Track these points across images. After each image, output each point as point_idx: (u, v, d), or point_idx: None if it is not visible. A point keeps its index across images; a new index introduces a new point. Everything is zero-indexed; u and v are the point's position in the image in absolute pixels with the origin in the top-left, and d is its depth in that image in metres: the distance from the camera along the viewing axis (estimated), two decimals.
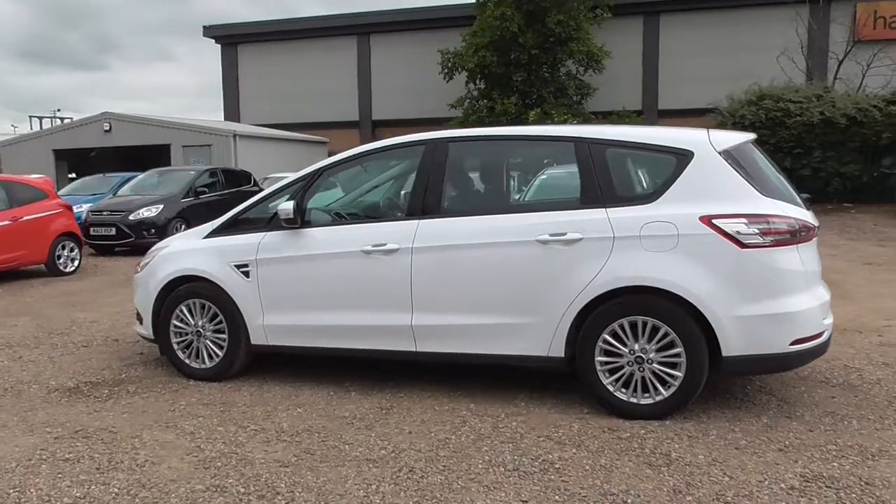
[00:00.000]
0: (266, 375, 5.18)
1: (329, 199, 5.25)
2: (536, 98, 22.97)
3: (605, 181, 4.23)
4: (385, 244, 4.56)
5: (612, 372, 4.19)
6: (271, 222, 4.94)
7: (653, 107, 26.52)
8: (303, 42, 29.19)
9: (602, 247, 4.13)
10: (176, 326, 5.20)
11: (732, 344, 3.94)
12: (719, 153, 4.11)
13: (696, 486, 3.31)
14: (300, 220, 4.74)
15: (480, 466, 3.60)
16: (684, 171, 4.10)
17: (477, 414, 4.33)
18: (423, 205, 4.56)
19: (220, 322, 5.06)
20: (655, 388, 4.11)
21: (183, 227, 13.17)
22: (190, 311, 5.15)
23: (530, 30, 22.06)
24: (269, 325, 4.92)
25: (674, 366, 4.06)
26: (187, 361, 5.20)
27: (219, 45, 30.65)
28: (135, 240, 12.68)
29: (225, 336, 5.06)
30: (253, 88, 29.92)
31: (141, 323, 5.47)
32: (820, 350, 4.12)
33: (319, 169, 4.96)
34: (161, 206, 12.92)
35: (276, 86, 29.06)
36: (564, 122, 21.68)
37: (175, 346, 5.22)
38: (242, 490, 3.41)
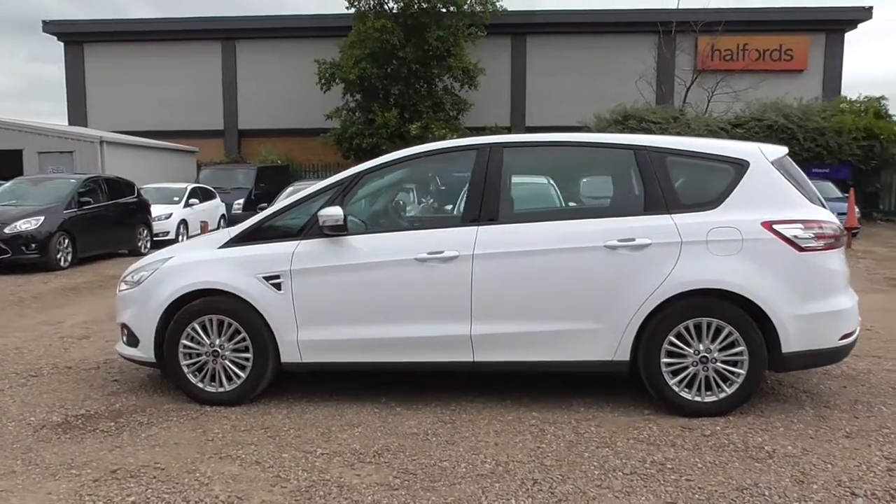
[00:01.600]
0: (272, 398, 4.78)
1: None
2: (415, 112, 23.13)
3: (667, 188, 4.37)
4: (442, 251, 4.40)
5: (675, 373, 4.32)
6: (306, 230, 4.60)
7: (521, 123, 27.65)
8: (161, 45, 27.36)
9: (670, 252, 4.25)
10: (187, 347, 4.68)
11: (792, 341, 4.20)
12: (771, 163, 4.39)
13: (811, 475, 3.49)
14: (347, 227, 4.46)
15: (597, 473, 3.57)
16: (743, 179, 4.34)
17: (547, 421, 4.28)
18: (481, 211, 4.46)
19: (243, 340, 4.62)
20: (718, 386, 4.29)
21: (66, 241, 11.89)
22: (205, 329, 4.66)
23: (410, 44, 22.22)
24: (304, 340, 4.56)
25: (735, 364, 4.26)
26: (200, 385, 4.69)
27: (61, 43, 27.97)
28: (11, 256, 11.20)
29: (249, 355, 4.62)
30: (102, 92, 27.58)
31: (132, 345, 4.86)
32: (855, 343, 4.51)
33: (360, 172, 4.69)
34: (42, 218, 11.49)
35: (131, 90, 27.00)
36: (443, 136, 22.05)
37: (185, 369, 4.69)
38: None
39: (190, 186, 17.31)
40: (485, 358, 4.46)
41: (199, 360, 4.68)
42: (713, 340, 4.27)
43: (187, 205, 16.45)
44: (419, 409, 4.54)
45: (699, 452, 3.79)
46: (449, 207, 4.87)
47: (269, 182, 21.23)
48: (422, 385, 4.92)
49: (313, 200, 4.70)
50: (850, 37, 28.05)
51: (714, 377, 4.29)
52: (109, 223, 13.22)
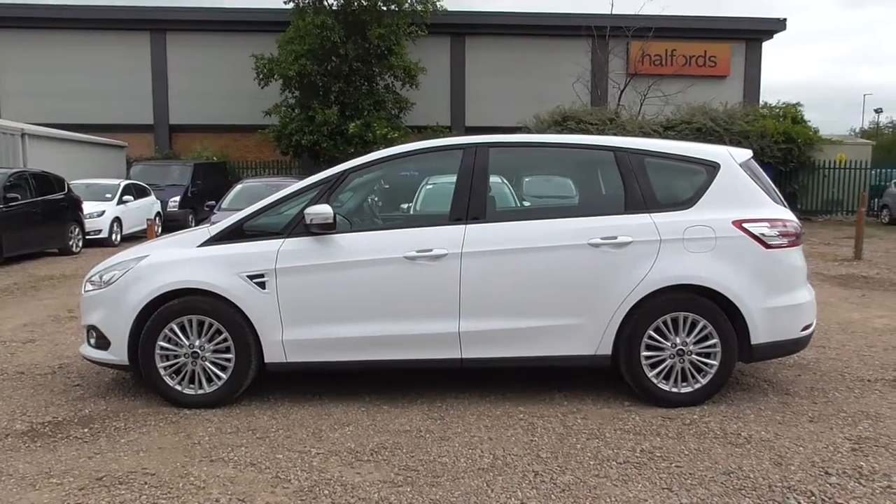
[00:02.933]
0: (253, 399, 4.72)
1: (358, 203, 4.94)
2: (355, 110, 22.94)
3: (646, 188, 4.55)
4: (431, 249, 4.44)
5: (654, 366, 4.50)
6: (291, 227, 4.56)
7: (460, 123, 27.82)
8: (84, 34, 26.12)
9: (650, 249, 4.43)
10: (164, 349, 4.56)
11: (760, 333, 4.45)
12: (739, 165, 4.63)
13: (787, 458, 3.71)
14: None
15: (592, 463, 3.69)
16: (714, 181, 4.56)
17: (535, 415, 4.39)
18: (469, 209, 4.53)
19: (225, 341, 4.54)
20: (693, 377, 4.50)
21: None
22: (183, 329, 4.55)
23: (350, 41, 22.02)
24: (289, 340, 4.52)
25: (708, 355, 4.48)
26: (178, 388, 4.58)
27: None
28: None
29: (230, 356, 4.55)
30: (17, 81, 26.14)
31: (102, 347, 4.70)
32: (813, 334, 4.80)
33: (345, 171, 4.67)
34: None
35: (51, 81, 25.68)
36: (385, 135, 22.00)
37: (162, 372, 4.57)
38: None
39: (123, 183, 16.68)
40: (472, 355, 4.52)
41: (177, 362, 4.57)
42: (689, 334, 4.47)
43: (121, 202, 15.85)
44: (406, 407, 4.57)
45: (683, 440, 3.96)
46: (437, 206, 4.88)
47: (206, 179, 20.69)
48: (404, 383, 4.96)
49: (297, 198, 4.66)
50: (766, 46, 29.46)
51: (690, 369, 4.49)
52: (38, 221, 12.61)
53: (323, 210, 4.39)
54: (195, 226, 18.42)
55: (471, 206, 4.53)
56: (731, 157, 4.65)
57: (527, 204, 4.69)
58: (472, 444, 3.95)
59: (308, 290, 4.50)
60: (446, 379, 5.01)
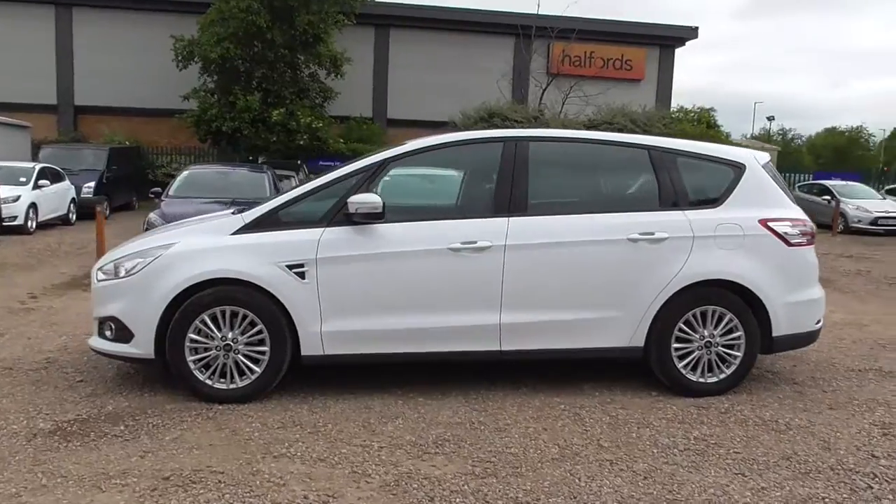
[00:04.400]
0: (281, 393, 4.58)
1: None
2: (278, 97, 22.32)
3: (678, 186, 4.73)
4: (475, 241, 4.44)
5: (682, 357, 4.69)
6: (331, 216, 4.43)
7: (382, 115, 27.65)
8: None
9: (684, 245, 4.61)
10: (194, 341, 4.33)
11: (781, 326, 4.72)
12: (762, 166, 4.89)
13: (832, 443, 3.97)
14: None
15: (655, 451, 3.81)
16: (741, 181, 4.80)
17: (575, 406, 4.47)
18: (511, 202, 4.55)
19: (259, 332, 4.36)
20: (719, 368, 4.72)
21: None
22: (214, 321, 4.34)
23: (276, 26, 21.39)
24: (328, 332, 4.39)
25: (732, 347, 4.71)
26: (209, 382, 4.37)
27: None
28: None
29: (265, 348, 4.38)
30: None
31: (122, 339, 4.41)
32: (822, 328, 5.12)
33: (385, 159, 4.58)
34: None
35: None
36: (309, 124, 21.57)
37: (192, 366, 4.35)
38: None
39: (38, 166, 15.51)
40: (512, 347, 4.56)
41: (208, 356, 4.36)
42: (716, 327, 4.68)
43: (36, 186, 14.74)
44: (442, 399, 4.55)
45: (728, 428, 4.16)
46: (479, 198, 4.84)
47: (122, 164, 19.58)
48: (413, 376, 4.90)
49: (335, 187, 4.53)
50: (679, 52, 30.96)
51: (715, 360, 4.71)
52: None
53: (371, 199, 4.29)
54: (109, 213, 17.39)
55: (512, 198, 4.56)
56: (755, 159, 4.90)
57: (563, 198, 4.77)
58: (531, 435, 3.99)
59: (349, 281, 4.39)
60: (462, 371, 5.01)
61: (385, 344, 4.48)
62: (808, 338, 4.93)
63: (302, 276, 4.35)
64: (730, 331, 4.70)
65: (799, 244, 4.77)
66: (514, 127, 22.86)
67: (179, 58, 21.59)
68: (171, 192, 10.54)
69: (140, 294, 4.35)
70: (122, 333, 4.42)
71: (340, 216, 4.42)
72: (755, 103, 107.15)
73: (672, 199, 4.72)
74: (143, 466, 3.50)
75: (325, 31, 22.23)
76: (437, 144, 4.72)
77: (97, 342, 4.60)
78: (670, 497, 3.28)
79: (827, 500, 3.29)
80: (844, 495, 3.33)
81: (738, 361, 4.72)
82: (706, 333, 4.68)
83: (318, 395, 4.57)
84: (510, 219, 4.52)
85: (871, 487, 3.42)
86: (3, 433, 3.90)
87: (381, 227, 4.42)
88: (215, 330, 4.34)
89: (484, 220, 4.54)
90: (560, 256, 4.53)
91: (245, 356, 4.38)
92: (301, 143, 21.75)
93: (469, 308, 4.49)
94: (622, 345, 4.64)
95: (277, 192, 11.27)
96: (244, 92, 21.49)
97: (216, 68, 21.52)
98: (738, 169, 4.84)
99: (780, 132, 58.74)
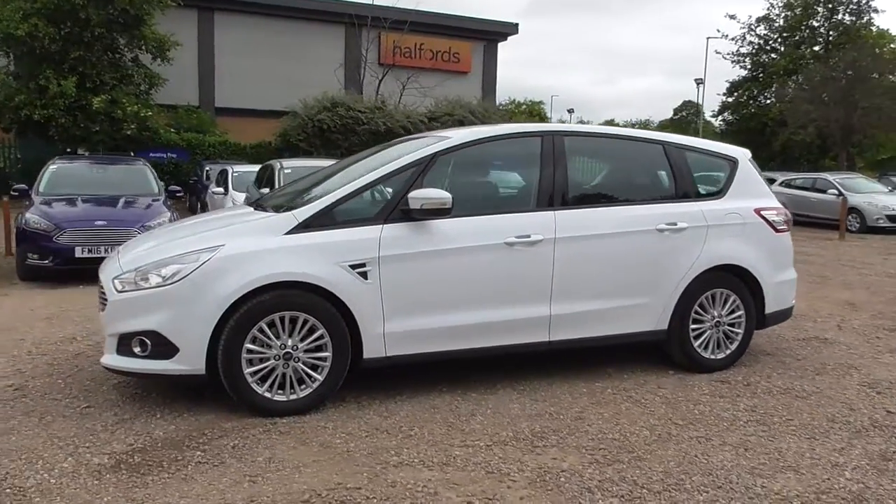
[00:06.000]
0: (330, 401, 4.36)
1: None
2: (99, 83, 20.09)
3: (690, 179, 5.12)
4: (529, 235, 4.49)
5: (697, 337, 5.11)
6: (388, 213, 4.23)
7: (210, 103, 26.06)
8: None
9: (700, 234, 5.01)
10: (251, 351, 3.95)
11: (771, 304, 5.31)
12: (748, 161, 5.43)
13: (852, 404, 4.52)
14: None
15: (725, 424, 4.13)
16: (736, 174, 5.30)
17: (622, 389, 4.69)
18: (554, 196, 4.65)
19: (320, 338, 4.08)
20: (725, 345, 5.21)
21: None
22: (272, 328, 3.99)
23: (91, 4, 19.18)
24: (390, 332, 4.22)
25: (734, 325, 5.22)
26: (268, 395, 4.01)
27: None
28: None
29: (326, 354, 4.10)
30: None
31: (161, 356, 3.90)
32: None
33: (435, 153, 4.45)
34: None
35: None
36: (137, 113, 19.73)
37: (249, 378, 3.96)
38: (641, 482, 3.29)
39: None
40: (559, 337, 4.68)
41: (265, 366, 4.00)
42: (723, 307, 5.16)
43: None
44: (495, 392, 4.58)
45: (763, 399, 4.61)
46: (521, 192, 4.86)
47: None
48: (437, 374, 4.87)
49: (389, 182, 4.34)
50: (502, 46, 32.49)
51: (722, 338, 5.19)
52: None
53: (439, 195, 4.17)
54: None
55: (555, 192, 4.67)
56: (744, 154, 5.44)
57: (594, 191, 4.99)
58: (611, 420, 4.15)
59: (411, 279, 4.25)
60: (471, 366, 5.04)
61: (445, 341, 4.40)
62: (787, 314, 5.58)
63: (364, 276, 4.13)
64: (733, 310, 5.19)
65: (782, 230, 5.38)
66: (358, 118, 22.74)
67: None
68: (41, 189, 9.22)
69: (187, 303, 3.87)
70: (163, 349, 3.90)
71: (397, 212, 4.25)
72: (552, 96, 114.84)
73: (685, 190, 5.10)
74: (267, 491, 3.18)
75: (148, 11, 20.34)
76: (483, 138, 4.69)
77: (117, 360, 4.03)
78: (784, 464, 3.61)
79: None
80: None
81: (739, 338, 5.22)
82: (716, 314, 5.13)
83: (368, 398, 4.37)
84: (556, 212, 4.62)
85: None
86: (55, 473, 3.32)
87: (438, 223, 4.32)
88: (273, 338, 3.99)
89: (532, 213, 4.61)
90: (600, 248, 4.72)
91: (304, 364, 4.08)
92: (129, 133, 19.82)
93: (523, 301, 4.54)
94: (651, 328, 4.95)
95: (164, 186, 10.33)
96: (56, 76, 19.09)
97: (24, 48, 18.90)
98: (733, 163, 5.34)
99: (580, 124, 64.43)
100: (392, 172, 4.37)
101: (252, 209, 4.88)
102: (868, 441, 3.94)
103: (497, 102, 30.84)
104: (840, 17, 35.75)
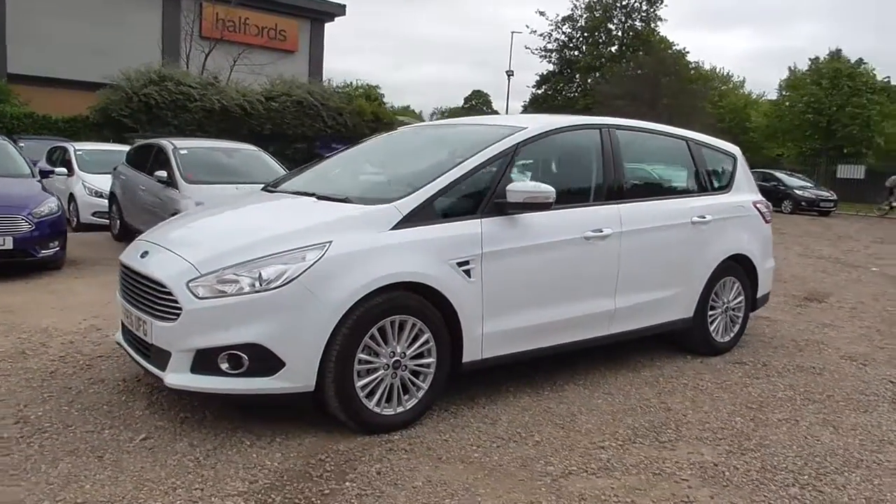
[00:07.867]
0: None
1: None
2: None
3: (707, 173, 5.37)
4: (601, 229, 4.45)
5: (711, 322, 5.41)
6: (483, 206, 3.95)
7: (2, 70, 22.49)
8: None
9: (720, 226, 5.28)
10: (362, 361, 3.50)
11: (761, 289, 5.77)
12: (741, 155, 5.83)
13: (861, 377, 5.03)
14: None
15: (794, 405, 4.38)
16: (736, 169, 5.66)
17: (672, 377, 4.82)
18: (613, 189, 4.65)
19: (426, 343, 3.73)
20: (730, 329, 5.56)
21: None
22: (382, 335, 3.57)
23: None
24: (488, 333, 3.95)
25: (735, 309, 5.60)
26: (376, 410, 3.58)
27: None
28: None
29: (431, 360, 3.76)
30: None
31: (262, 372, 3.33)
32: None
33: (517, 144, 4.21)
34: None
35: None
36: None
37: (360, 392, 3.51)
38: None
39: None
40: (617, 329, 4.71)
41: (375, 377, 3.57)
42: (730, 293, 5.50)
43: None
44: (569, 386, 4.52)
45: (793, 377, 4.97)
46: (581, 184, 4.74)
47: None
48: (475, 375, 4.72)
49: (478, 174, 4.03)
50: (329, 27, 31.62)
51: (728, 322, 5.54)
52: None
53: (544, 189, 3.96)
54: None
55: (616, 185, 4.68)
56: (737, 150, 5.82)
57: (639, 184, 5.08)
58: (696, 408, 4.25)
59: (508, 276, 4.02)
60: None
61: (531, 340, 4.22)
62: (766, 298, 6.09)
63: (468, 273, 3.83)
64: (736, 296, 5.56)
65: (769, 221, 5.86)
66: (190, 94, 20.93)
67: None
68: None
69: (296, 310, 3.32)
70: (264, 364, 3.32)
71: (491, 206, 3.99)
72: (356, 80, 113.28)
73: (704, 184, 5.36)
74: None
75: None
76: (557, 128, 4.56)
77: (194, 380, 3.37)
78: (881, 437, 3.94)
79: None
80: None
81: (740, 321, 5.62)
82: (725, 300, 5.46)
83: (450, 405, 4.08)
84: (619, 205, 4.62)
85: None
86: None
87: (527, 217, 4.12)
88: (383, 346, 3.57)
89: (598, 206, 4.57)
90: (652, 240, 4.80)
91: (411, 372, 3.70)
92: None
93: (595, 294, 4.51)
94: (682, 317, 5.14)
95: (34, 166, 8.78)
96: None
97: None
98: (733, 159, 5.70)
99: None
100: (484, 163, 4.07)
101: (289, 194, 4.35)
102: None
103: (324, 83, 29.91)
104: (633, 22, 39.42)
